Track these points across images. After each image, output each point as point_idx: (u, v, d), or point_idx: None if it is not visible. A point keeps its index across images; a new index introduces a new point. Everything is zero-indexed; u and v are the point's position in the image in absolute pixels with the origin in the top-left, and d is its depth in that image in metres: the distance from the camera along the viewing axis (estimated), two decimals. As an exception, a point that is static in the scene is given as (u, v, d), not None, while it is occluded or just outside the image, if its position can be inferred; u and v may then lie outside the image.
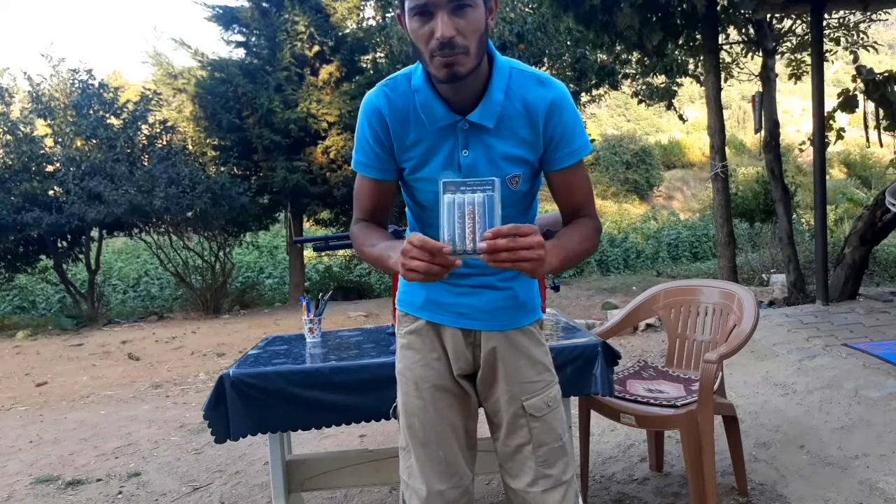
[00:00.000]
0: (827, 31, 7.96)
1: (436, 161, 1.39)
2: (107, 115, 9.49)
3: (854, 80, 5.93)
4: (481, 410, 1.56)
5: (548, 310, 2.31)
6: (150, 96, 10.03)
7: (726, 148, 6.75)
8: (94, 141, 9.23)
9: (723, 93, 6.90)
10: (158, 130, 10.08)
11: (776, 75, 7.00)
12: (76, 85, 9.49)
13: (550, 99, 1.36)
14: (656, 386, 2.52)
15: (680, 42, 7.28)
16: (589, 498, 2.56)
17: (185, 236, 9.80)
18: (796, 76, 8.40)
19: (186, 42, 13.83)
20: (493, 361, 1.46)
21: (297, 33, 10.23)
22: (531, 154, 1.39)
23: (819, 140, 5.40)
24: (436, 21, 1.24)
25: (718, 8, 6.63)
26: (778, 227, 6.70)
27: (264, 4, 10.64)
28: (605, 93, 11.43)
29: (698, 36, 7.02)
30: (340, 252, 10.93)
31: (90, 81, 9.53)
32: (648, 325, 5.76)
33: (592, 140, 16.81)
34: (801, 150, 12.30)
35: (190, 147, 10.55)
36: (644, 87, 10.15)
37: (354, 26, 11.20)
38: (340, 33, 10.80)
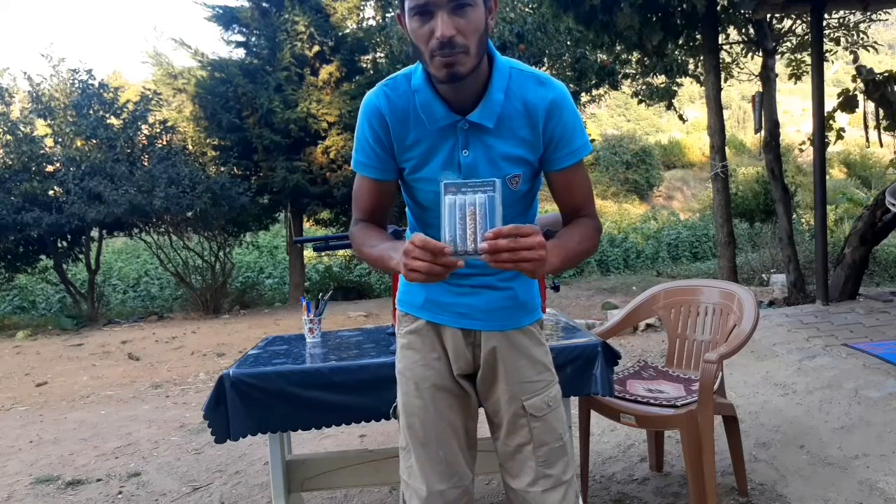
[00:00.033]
0: (827, 31, 7.96)
1: (436, 161, 1.39)
2: (107, 115, 9.49)
3: (854, 80, 5.93)
4: (481, 410, 1.56)
5: (548, 310, 2.31)
6: (150, 96, 10.03)
7: (726, 148, 6.75)
8: (94, 141, 9.23)
9: (723, 93, 6.90)
10: (158, 130, 10.08)
11: (776, 75, 7.00)
12: (76, 85, 9.49)
13: (550, 99, 1.36)
14: (656, 386, 2.52)
15: (680, 42, 7.28)
16: (589, 498, 2.56)
17: (185, 236, 9.80)
18: (796, 76, 8.40)
19: (186, 42, 13.85)
20: (493, 361, 1.46)
21: (297, 33, 10.23)
22: (531, 154, 1.39)
23: (819, 140, 5.40)
24: (436, 21, 1.24)
25: (718, 8, 6.63)
26: (778, 227, 6.70)
27: (264, 4, 10.64)
28: (605, 93, 11.44)
29: (698, 36, 7.02)
30: (340, 252, 10.93)
31: (90, 81, 9.54)
32: (648, 325, 5.76)
33: (592, 140, 16.81)
34: (801, 150, 12.30)
35: (190, 147, 10.55)
36: (644, 87, 10.15)
37: (354, 26, 11.20)
38: (340, 33, 10.80)
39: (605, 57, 9.57)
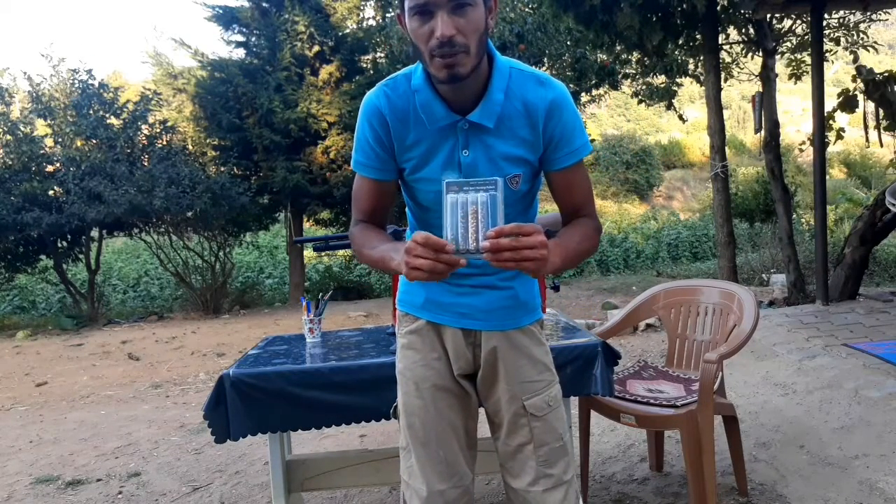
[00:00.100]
0: (827, 31, 7.96)
1: (436, 161, 1.39)
2: (107, 115, 9.49)
3: (854, 80, 5.93)
4: (481, 410, 1.56)
5: (548, 310, 2.31)
6: (150, 96, 10.03)
7: (726, 148, 6.75)
8: (94, 141, 9.23)
9: (723, 93, 6.90)
10: (158, 130, 10.08)
11: (776, 75, 7.00)
12: (76, 85, 9.49)
13: (550, 99, 1.36)
14: (656, 386, 2.52)
15: (680, 42, 7.28)
16: (589, 498, 2.56)
17: (185, 236, 9.80)
18: (796, 76, 8.40)
19: (186, 42, 13.83)
20: (493, 361, 1.46)
21: (297, 33, 10.23)
22: (531, 154, 1.39)
23: (819, 140, 5.40)
24: (436, 20, 1.24)
25: (718, 8, 6.63)
26: (778, 227, 6.70)
27: (264, 4, 10.64)
28: (605, 93, 11.44)
29: (698, 36, 7.02)
30: (340, 252, 10.92)
31: (90, 81, 9.53)
32: (648, 325, 5.76)
33: (592, 140, 16.81)
34: (801, 150, 12.30)
35: (190, 147, 10.55)
36: (644, 87, 10.15)
37: (354, 26, 11.20)
38: (340, 33, 10.80)
39: (605, 57, 9.57)
